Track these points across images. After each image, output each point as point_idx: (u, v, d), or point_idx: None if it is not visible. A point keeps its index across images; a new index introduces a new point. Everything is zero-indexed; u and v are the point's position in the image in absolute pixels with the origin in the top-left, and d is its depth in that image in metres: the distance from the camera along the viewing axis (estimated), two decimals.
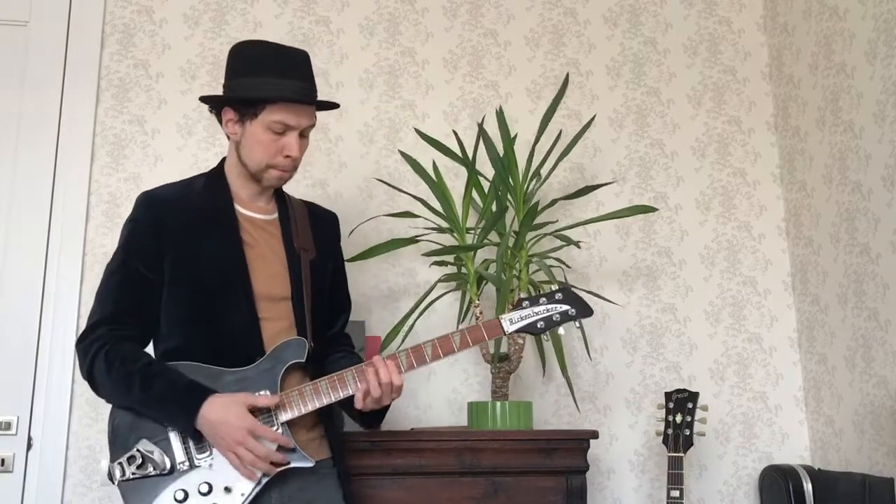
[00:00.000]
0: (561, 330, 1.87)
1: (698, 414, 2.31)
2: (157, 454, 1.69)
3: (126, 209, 1.91)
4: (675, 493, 2.24)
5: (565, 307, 1.86)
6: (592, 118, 2.59)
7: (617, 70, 2.92)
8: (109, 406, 1.78)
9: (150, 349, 1.84)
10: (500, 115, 2.49)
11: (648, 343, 2.74)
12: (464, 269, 2.43)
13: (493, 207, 2.43)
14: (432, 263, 2.51)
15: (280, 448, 1.70)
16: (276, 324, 1.82)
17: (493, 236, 2.46)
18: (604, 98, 2.89)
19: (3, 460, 2.40)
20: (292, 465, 1.72)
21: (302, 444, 1.76)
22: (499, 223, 2.42)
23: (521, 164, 2.44)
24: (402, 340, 2.39)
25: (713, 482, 2.67)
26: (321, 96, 1.90)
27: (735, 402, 2.72)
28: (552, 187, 2.75)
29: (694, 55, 2.96)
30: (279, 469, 1.71)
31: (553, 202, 2.44)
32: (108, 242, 2.54)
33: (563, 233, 2.41)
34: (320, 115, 1.96)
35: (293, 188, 2.09)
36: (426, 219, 2.50)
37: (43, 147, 2.60)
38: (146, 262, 1.80)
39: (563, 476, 2.13)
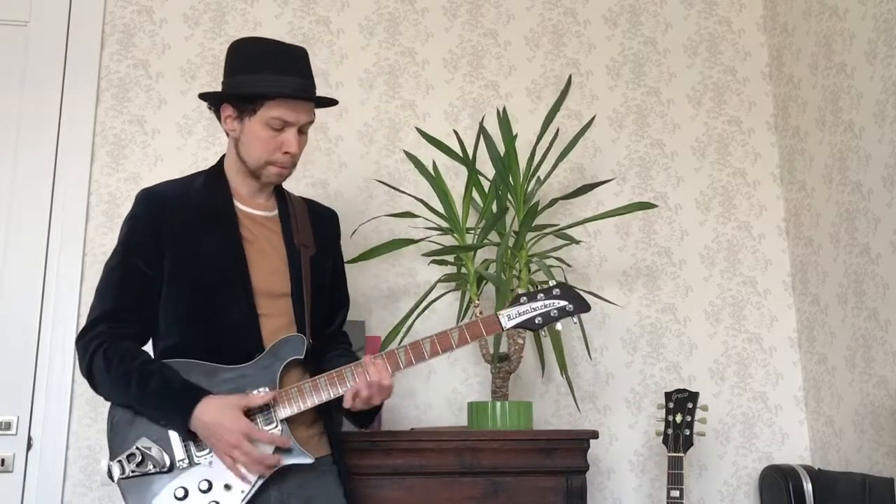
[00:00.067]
0: (559, 325, 1.87)
1: (698, 414, 2.31)
2: (156, 452, 1.69)
3: (126, 209, 1.91)
4: (675, 493, 2.24)
5: (563, 303, 1.86)
6: (592, 118, 2.59)
7: (617, 70, 2.92)
8: (109, 405, 1.77)
9: (149, 346, 1.85)
10: (502, 115, 2.49)
11: (648, 343, 2.74)
12: (464, 269, 2.43)
13: (494, 207, 2.43)
14: (431, 262, 2.51)
15: (277, 448, 1.70)
16: (276, 320, 1.82)
17: (493, 236, 2.46)
18: (604, 98, 2.89)
19: (3, 460, 2.40)
20: (292, 461, 1.72)
21: (301, 440, 1.76)
22: (499, 223, 2.42)
23: (522, 164, 2.45)
24: (402, 340, 2.38)
25: (713, 482, 2.67)
26: (320, 94, 1.89)
27: (735, 402, 2.72)
28: (552, 187, 2.75)
29: (694, 55, 2.96)
30: (278, 465, 1.71)
31: (553, 202, 2.44)
32: (108, 242, 2.54)
33: (563, 232, 2.41)
34: (320, 114, 1.96)
35: (293, 187, 2.09)
36: (426, 219, 2.50)
37: (43, 147, 2.60)
38: (146, 259, 1.80)
39: (563, 476, 2.12)
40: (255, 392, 1.73)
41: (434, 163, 2.53)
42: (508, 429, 2.20)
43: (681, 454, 2.28)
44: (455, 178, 2.69)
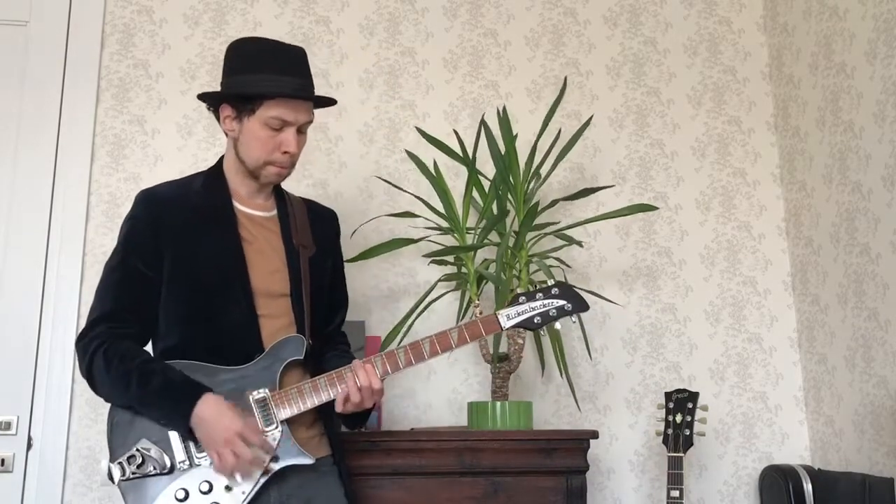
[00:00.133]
0: (557, 325, 1.87)
1: (698, 414, 2.31)
2: (156, 453, 1.69)
3: (126, 209, 1.91)
4: (675, 493, 2.24)
5: (561, 302, 1.86)
6: (590, 118, 2.59)
7: (617, 70, 2.92)
8: (109, 406, 1.77)
9: (149, 347, 1.85)
10: (502, 115, 2.49)
11: (648, 343, 2.74)
12: (464, 269, 2.43)
13: (494, 207, 2.43)
14: (431, 262, 2.51)
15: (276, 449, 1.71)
16: (276, 321, 1.82)
17: (493, 236, 2.46)
18: (604, 98, 2.89)
19: (3, 460, 2.40)
20: (292, 462, 1.72)
21: (302, 441, 1.76)
22: (499, 223, 2.42)
23: (522, 164, 2.44)
24: (402, 340, 2.38)
25: (713, 482, 2.67)
26: (320, 95, 1.89)
27: (735, 402, 2.72)
28: (552, 187, 2.75)
29: (694, 55, 2.96)
30: (278, 467, 1.71)
31: (553, 202, 2.44)
32: (108, 242, 2.54)
33: (563, 232, 2.41)
34: (320, 114, 1.96)
35: (293, 187, 2.09)
36: (426, 219, 2.50)
37: (43, 147, 2.60)
38: (145, 260, 1.80)
39: (563, 476, 2.12)
40: (254, 393, 1.73)
41: (434, 162, 2.53)
42: (508, 429, 2.20)
43: (681, 454, 2.28)
44: (455, 177, 2.69)
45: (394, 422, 2.57)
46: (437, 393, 2.62)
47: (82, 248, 2.56)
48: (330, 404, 1.79)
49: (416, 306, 2.40)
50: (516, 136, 2.49)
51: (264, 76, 1.78)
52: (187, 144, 2.69)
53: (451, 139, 2.55)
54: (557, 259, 2.46)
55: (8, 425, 2.42)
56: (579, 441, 2.15)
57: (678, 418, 2.31)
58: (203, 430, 1.67)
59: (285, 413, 1.74)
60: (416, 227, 2.57)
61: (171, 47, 2.74)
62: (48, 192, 2.58)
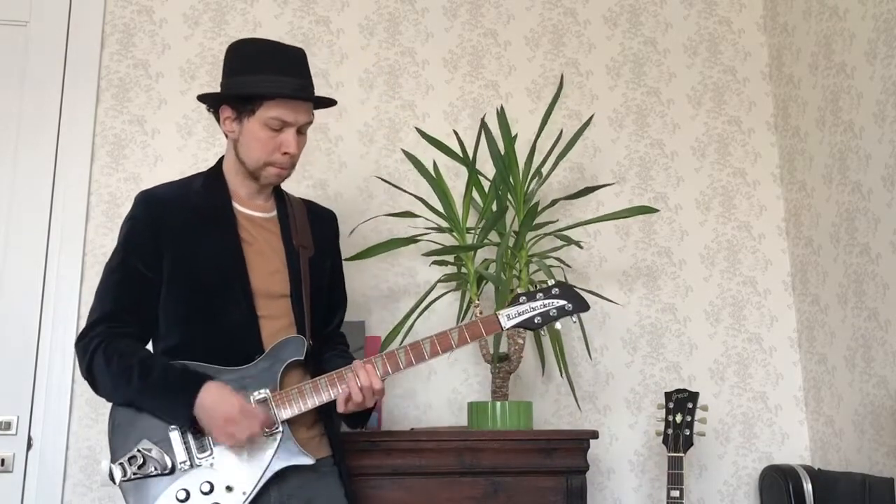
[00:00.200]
0: (558, 325, 1.87)
1: (698, 414, 2.31)
2: (157, 454, 1.69)
3: (126, 209, 1.91)
4: (675, 493, 2.24)
5: (562, 302, 1.86)
6: (590, 118, 2.59)
7: (617, 70, 2.92)
8: (109, 406, 1.77)
9: (149, 347, 1.85)
10: (501, 114, 2.49)
11: (648, 343, 2.74)
12: (464, 269, 2.43)
13: (494, 207, 2.43)
14: (432, 263, 2.51)
15: (277, 451, 1.71)
16: (276, 322, 1.82)
17: (493, 236, 2.46)
18: (604, 98, 2.89)
19: (3, 460, 2.40)
20: (292, 462, 1.72)
21: (302, 442, 1.76)
22: (499, 223, 2.42)
23: (521, 164, 2.45)
24: (402, 340, 2.38)
25: (713, 482, 2.67)
26: (319, 95, 1.90)
27: (735, 402, 2.72)
28: (552, 187, 2.75)
29: (694, 55, 2.96)
30: (280, 467, 1.71)
31: (553, 202, 2.44)
32: (108, 242, 2.54)
33: (563, 233, 2.41)
34: (320, 114, 1.96)
35: (293, 188, 2.09)
36: (426, 219, 2.50)
37: (43, 147, 2.60)
38: (145, 261, 1.80)
39: (563, 476, 2.13)
40: (255, 394, 1.73)
41: (434, 163, 2.53)
42: (508, 429, 2.20)
43: (681, 454, 2.28)
44: (455, 177, 2.69)
45: (394, 422, 2.57)
46: (437, 393, 2.62)
47: (82, 248, 2.56)
48: (330, 404, 1.79)
49: (416, 306, 2.40)
50: (516, 136, 2.49)
51: (264, 77, 1.78)
52: (187, 144, 2.69)
53: (450, 139, 2.55)
54: (557, 259, 2.46)
55: (8, 425, 2.42)
56: (579, 441, 2.15)
57: (678, 418, 2.31)
58: (205, 418, 1.67)
59: (286, 413, 1.74)
60: (416, 226, 2.57)
61: (171, 47, 2.74)
62: (48, 192, 2.58)
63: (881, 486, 2.17)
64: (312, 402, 1.75)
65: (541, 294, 1.87)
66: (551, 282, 1.90)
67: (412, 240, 2.43)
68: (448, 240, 2.51)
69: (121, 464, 1.69)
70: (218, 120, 1.88)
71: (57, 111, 2.62)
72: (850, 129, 2.49)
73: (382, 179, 2.66)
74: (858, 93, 2.45)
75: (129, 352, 1.74)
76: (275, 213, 1.93)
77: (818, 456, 2.64)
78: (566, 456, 2.13)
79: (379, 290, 2.66)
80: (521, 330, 2.26)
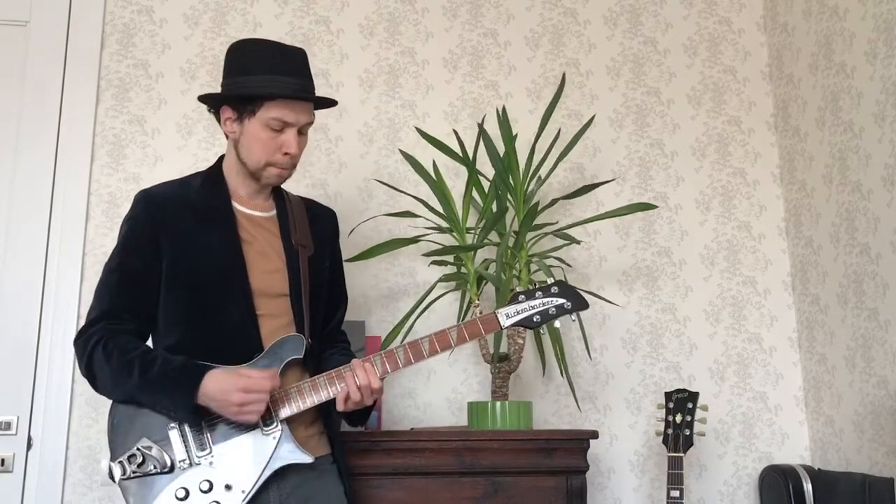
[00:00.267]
0: (557, 323, 1.87)
1: (698, 414, 2.31)
2: (157, 452, 1.69)
3: (126, 209, 1.91)
4: (675, 493, 2.24)
5: (561, 300, 1.86)
6: (591, 118, 2.59)
7: (617, 70, 2.92)
8: (109, 406, 1.78)
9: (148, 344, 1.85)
10: (501, 115, 2.49)
11: (648, 343, 2.74)
12: (464, 269, 2.43)
13: (494, 207, 2.43)
14: (431, 262, 2.51)
15: (277, 449, 1.71)
16: (275, 320, 1.82)
17: (493, 236, 2.46)
18: (604, 98, 2.89)
19: (3, 460, 2.40)
20: (291, 461, 1.73)
21: (301, 440, 1.76)
22: (499, 223, 2.42)
23: (521, 164, 2.45)
24: (402, 341, 2.37)
25: (713, 482, 2.67)
26: (319, 95, 1.90)
27: (735, 402, 2.72)
28: (552, 187, 2.75)
29: (694, 55, 2.96)
30: (279, 465, 1.71)
31: (553, 202, 2.44)
32: (108, 242, 2.54)
33: (563, 232, 2.41)
34: (320, 114, 1.96)
35: (293, 188, 2.09)
36: (426, 219, 2.50)
37: (43, 147, 2.60)
38: (144, 260, 1.80)
39: (563, 476, 2.12)
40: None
41: (434, 163, 2.53)
42: (508, 429, 2.19)
43: (681, 454, 2.28)
44: (455, 178, 2.69)
45: (394, 422, 2.57)
46: (437, 393, 2.62)
47: (82, 248, 2.56)
48: (330, 403, 1.79)
49: (416, 306, 2.40)
50: (516, 136, 2.49)
51: (265, 77, 1.78)
52: (187, 144, 2.69)
53: (450, 139, 2.55)
54: (557, 259, 2.46)
55: (8, 425, 2.42)
56: (579, 441, 2.15)
57: (678, 418, 2.31)
58: (215, 405, 1.67)
59: (285, 412, 1.74)
60: (416, 227, 2.57)
61: (171, 47, 2.74)
62: (48, 192, 2.58)
63: (881, 486, 2.17)
64: (311, 400, 1.76)
65: (540, 293, 1.87)
66: (550, 281, 1.90)
67: (412, 240, 2.43)
68: (448, 240, 2.51)
69: (120, 462, 1.69)
70: (219, 120, 1.88)
71: (57, 111, 2.62)
72: (850, 129, 2.49)
73: (382, 182, 2.66)
74: (858, 93, 2.45)
75: (130, 347, 1.74)
76: (274, 212, 1.93)
77: (818, 456, 2.64)
78: (566, 456, 2.13)
79: (379, 290, 2.66)
80: (521, 329, 2.26)
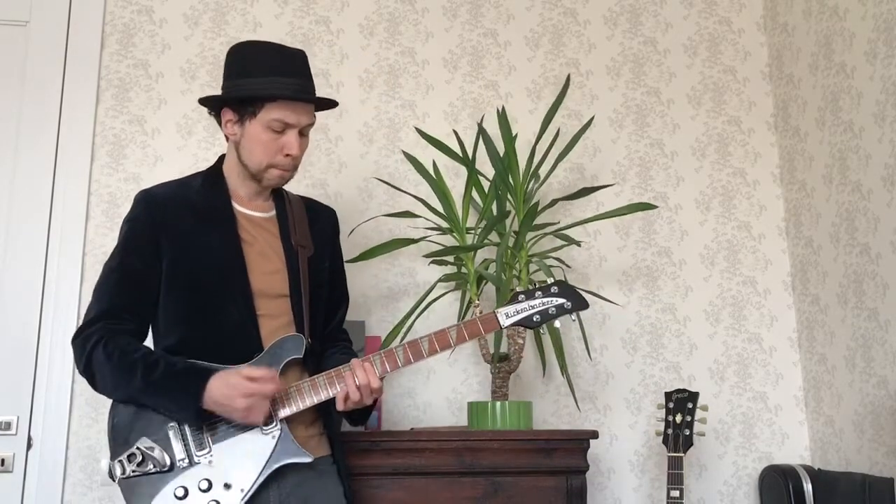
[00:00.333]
0: (557, 323, 1.87)
1: (698, 414, 2.31)
2: (156, 451, 1.69)
3: (126, 209, 1.91)
4: (675, 493, 2.24)
5: (561, 300, 1.86)
6: (591, 119, 2.59)
7: (617, 70, 2.92)
8: (109, 405, 1.78)
9: (150, 346, 1.85)
10: (501, 115, 2.49)
11: (648, 343, 2.74)
12: (464, 269, 2.43)
13: (494, 207, 2.43)
14: (431, 262, 2.51)
15: (277, 449, 1.71)
16: (275, 321, 1.82)
17: (493, 236, 2.46)
18: (604, 98, 2.89)
19: (3, 460, 2.40)
20: (291, 461, 1.73)
21: (301, 440, 1.76)
22: (499, 223, 2.42)
23: (521, 164, 2.45)
24: (402, 341, 2.37)
25: (713, 482, 2.67)
26: (320, 96, 1.90)
27: (735, 402, 2.72)
28: (552, 187, 2.75)
29: (694, 55, 2.96)
30: (278, 465, 1.71)
31: (553, 202, 2.44)
32: (108, 242, 2.54)
33: (563, 232, 2.41)
34: (320, 115, 1.96)
35: (293, 187, 2.09)
36: (426, 219, 2.50)
37: (43, 147, 2.60)
38: (144, 260, 1.80)
39: (563, 476, 2.12)
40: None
41: (434, 163, 2.53)
42: (508, 429, 2.19)
43: (681, 454, 2.28)
44: (455, 178, 2.69)
45: (394, 422, 2.57)
46: (436, 393, 2.62)
47: (82, 248, 2.56)
48: (330, 403, 1.79)
49: (416, 306, 2.40)
50: (516, 136, 2.49)
51: (265, 79, 1.78)
52: (187, 144, 2.69)
53: (450, 139, 2.55)
54: (557, 259, 2.46)
55: (8, 425, 2.42)
56: (579, 441, 2.15)
57: (678, 418, 2.31)
58: (220, 409, 1.68)
59: (285, 412, 1.74)
60: (416, 227, 2.57)
61: (171, 47, 2.74)
62: (48, 191, 2.58)
63: (881, 486, 2.17)
64: (311, 400, 1.76)
65: (539, 293, 1.87)
66: (550, 280, 1.90)
67: (412, 240, 2.43)
68: (448, 240, 2.51)
69: (120, 461, 1.69)
70: (219, 123, 1.88)
71: (57, 111, 2.62)
72: (850, 129, 2.49)
73: (382, 181, 2.66)
74: (858, 93, 2.45)
75: (131, 349, 1.74)
76: (273, 212, 1.93)
77: (818, 456, 2.64)
78: (566, 456, 2.13)
79: (379, 290, 2.66)
80: (521, 329, 2.26)
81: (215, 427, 1.72)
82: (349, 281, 2.12)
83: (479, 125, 2.49)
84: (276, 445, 1.72)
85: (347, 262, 2.13)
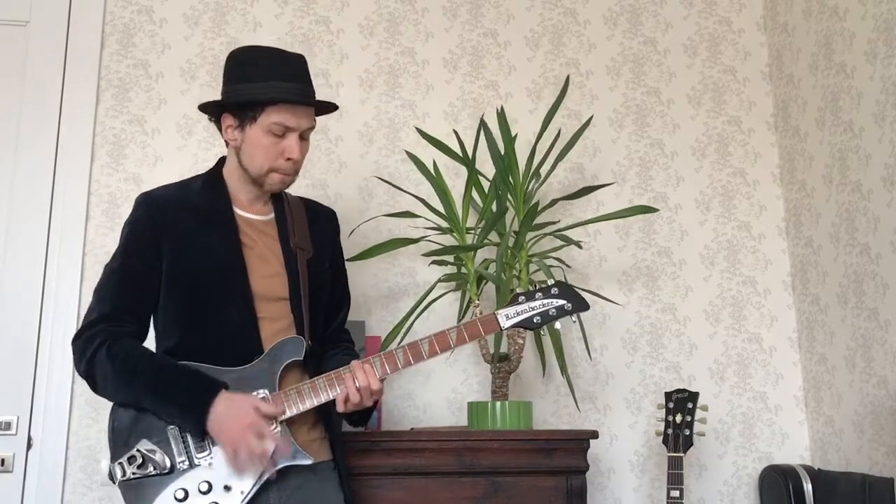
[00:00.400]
0: (557, 324, 1.87)
1: (698, 414, 2.31)
2: (157, 454, 1.69)
3: (126, 209, 1.92)
4: (675, 493, 2.24)
5: (561, 301, 1.86)
6: (590, 119, 2.59)
7: (617, 70, 2.92)
8: (109, 406, 1.78)
9: (151, 347, 1.85)
10: (501, 114, 2.49)
11: (648, 343, 2.74)
12: (464, 269, 2.43)
13: (494, 207, 2.43)
14: (431, 262, 2.51)
15: (276, 454, 1.70)
16: (276, 323, 1.82)
17: (493, 236, 2.46)
18: (604, 98, 2.89)
19: (3, 460, 2.40)
20: (291, 462, 1.72)
21: (303, 444, 1.76)
22: (499, 223, 2.42)
23: (521, 164, 2.45)
24: (402, 340, 2.38)
25: (713, 482, 2.67)
26: (320, 97, 1.90)
27: (735, 402, 2.72)
28: (552, 187, 2.75)
29: (694, 55, 2.96)
30: (277, 468, 1.71)
31: (553, 202, 2.44)
32: (108, 242, 2.54)
33: (563, 233, 2.41)
34: (320, 115, 1.96)
35: (293, 188, 2.09)
36: (426, 219, 2.50)
37: (43, 147, 2.60)
38: (146, 262, 1.80)
39: (563, 476, 2.13)
40: (254, 394, 1.73)
41: (434, 163, 2.53)
42: (508, 429, 2.19)
43: (681, 454, 2.28)
44: (455, 177, 2.69)
45: (394, 422, 2.57)
46: (436, 393, 2.62)
47: (82, 248, 2.56)
48: (331, 406, 1.79)
49: (416, 306, 2.40)
50: (516, 136, 2.49)
51: (265, 83, 1.78)
52: (187, 144, 2.69)
53: (450, 139, 2.55)
54: (557, 259, 2.46)
55: (8, 425, 2.42)
56: (579, 441, 2.15)
57: (678, 418, 2.31)
58: (217, 425, 1.67)
59: (285, 414, 1.74)
60: (416, 226, 2.57)
61: (171, 47, 2.74)
62: (48, 191, 2.58)
63: (881, 486, 2.17)
64: (311, 402, 1.75)
65: (540, 294, 1.86)
66: (550, 281, 1.90)
67: (412, 240, 2.43)
68: (448, 240, 2.51)
69: (120, 464, 1.69)
70: (220, 129, 1.88)
71: (57, 111, 2.62)
72: (850, 129, 2.49)
73: (382, 180, 2.66)
74: (858, 93, 2.45)
75: (135, 353, 1.74)
76: (272, 215, 1.93)
77: (818, 456, 2.64)
78: (566, 456, 2.13)
79: (379, 290, 2.66)
80: (521, 330, 2.26)
81: None
82: (349, 280, 2.12)
83: (482, 120, 2.49)
84: (276, 447, 1.71)
85: (347, 261, 2.13)
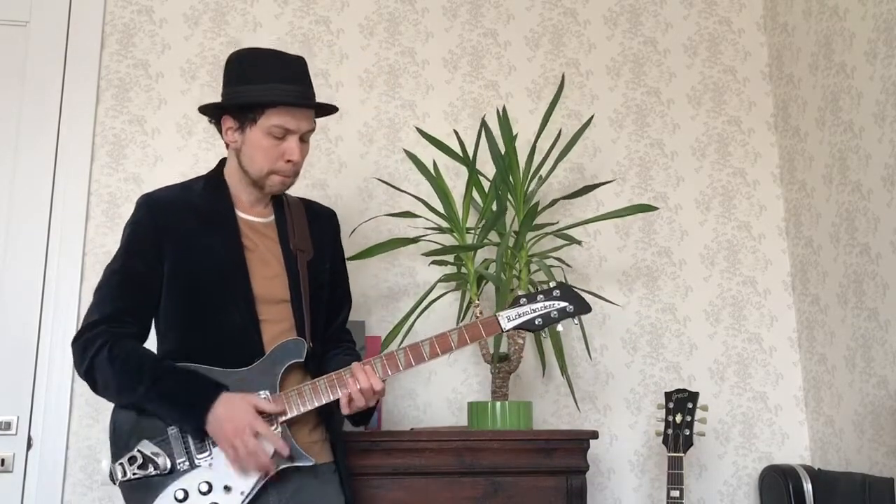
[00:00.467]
0: (559, 327, 1.87)
1: (698, 414, 2.31)
2: (158, 455, 1.69)
3: (126, 209, 1.92)
4: (675, 493, 2.24)
5: (563, 304, 1.86)
6: (590, 119, 2.59)
7: (617, 70, 2.92)
8: (110, 406, 1.78)
9: (153, 348, 1.85)
10: (501, 115, 2.49)
11: (648, 343, 2.74)
12: (464, 269, 2.43)
13: (494, 207, 2.43)
14: (431, 262, 2.51)
15: (276, 455, 1.70)
16: (277, 325, 1.82)
17: (493, 236, 2.46)
18: (604, 98, 2.89)
19: (3, 460, 2.40)
20: (292, 463, 1.72)
21: (304, 446, 1.76)
22: (499, 223, 2.42)
23: (522, 164, 2.45)
24: (402, 340, 2.38)
25: (713, 482, 2.67)
26: (320, 97, 1.90)
27: (735, 402, 2.72)
28: (552, 187, 2.75)
29: (694, 55, 2.96)
30: (278, 469, 1.71)
31: (553, 202, 2.44)
32: (108, 242, 2.54)
33: (563, 232, 2.41)
34: (320, 117, 1.96)
35: (293, 188, 2.09)
36: (426, 219, 2.50)
37: (43, 147, 2.60)
38: (147, 263, 1.80)
39: (563, 476, 2.13)
40: (257, 394, 1.73)
41: (434, 163, 2.53)
42: (508, 429, 2.20)
43: (681, 454, 2.28)
44: (455, 177, 2.69)
45: (394, 422, 2.57)
46: (437, 393, 2.62)
47: (82, 248, 2.56)
48: (332, 408, 1.79)
49: (416, 306, 2.40)
50: (516, 136, 2.49)
51: (265, 85, 1.78)
52: (187, 144, 2.69)
53: (451, 139, 2.55)
54: (557, 259, 2.46)
55: (8, 425, 2.42)
56: (579, 441, 2.15)
57: (678, 418, 2.31)
58: (216, 427, 1.67)
59: (286, 415, 1.73)
60: (416, 226, 2.57)
61: (171, 47, 2.74)
62: (48, 191, 2.58)
63: (881, 486, 2.17)
64: (312, 403, 1.75)
65: (541, 296, 1.86)
66: (552, 283, 1.90)
67: (412, 240, 2.43)
68: (448, 240, 2.51)
69: (121, 464, 1.69)
70: (220, 131, 1.88)
71: (57, 111, 2.62)
72: (850, 129, 2.49)
73: (382, 181, 2.66)
74: (858, 93, 2.45)
75: (136, 355, 1.74)
76: (272, 217, 1.93)
77: (818, 456, 2.64)
78: (566, 456, 2.13)
79: (379, 290, 2.66)
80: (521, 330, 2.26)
81: None
82: (350, 281, 2.11)
83: (483, 120, 2.49)
84: (276, 448, 1.71)
85: (347, 260, 2.13)
